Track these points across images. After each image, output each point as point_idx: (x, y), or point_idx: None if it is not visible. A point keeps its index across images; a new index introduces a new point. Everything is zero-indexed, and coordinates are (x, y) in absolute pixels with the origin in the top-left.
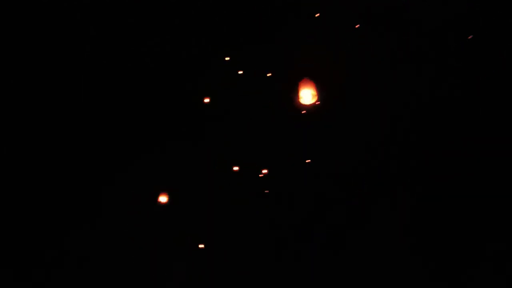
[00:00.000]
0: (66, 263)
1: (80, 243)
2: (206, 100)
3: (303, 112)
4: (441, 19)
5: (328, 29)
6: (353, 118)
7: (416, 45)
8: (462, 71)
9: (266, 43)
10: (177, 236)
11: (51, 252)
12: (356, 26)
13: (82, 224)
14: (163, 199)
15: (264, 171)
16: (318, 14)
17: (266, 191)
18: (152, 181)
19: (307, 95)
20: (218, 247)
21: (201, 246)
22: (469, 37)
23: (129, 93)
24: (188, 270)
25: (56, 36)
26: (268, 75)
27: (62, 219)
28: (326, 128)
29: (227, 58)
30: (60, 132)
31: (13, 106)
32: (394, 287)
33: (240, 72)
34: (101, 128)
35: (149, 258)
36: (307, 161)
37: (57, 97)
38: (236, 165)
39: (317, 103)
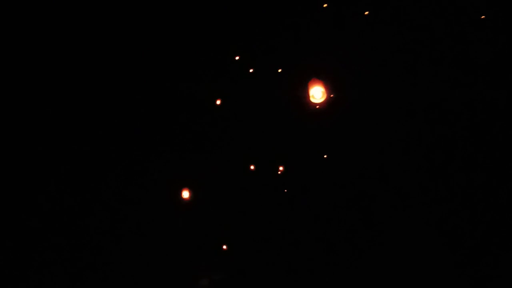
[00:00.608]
0: (86, 261)
1: (100, 241)
2: (218, 101)
3: (317, 106)
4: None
5: (337, 22)
6: (366, 113)
7: (431, 38)
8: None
9: (274, 39)
10: (199, 237)
11: (72, 250)
12: (365, 13)
13: (100, 222)
14: (185, 194)
15: (281, 168)
16: (325, 5)
17: (285, 190)
18: (166, 187)
19: (318, 93)
20: (239, 248)
21: (224, 247)
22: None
23: (141, 94)
24: (211, 270)
25: (68, 35)
26: (279, 70)
27: (82, 216)
28: (340, 124)
29: (237, 58)
30: (79, 129)
31: (25, 106)
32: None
33: (251, 71)
34: (115, 127)
35: (170, 259)
36: (324, 156)
37: (78, 94)
38: (252, 164)
39: (331, 96)
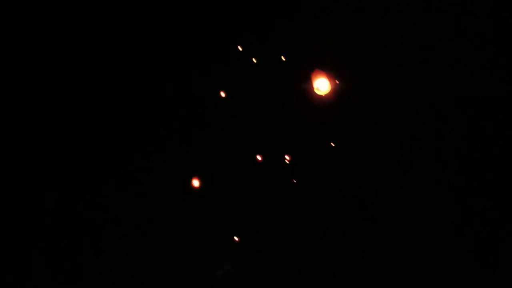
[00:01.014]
0: (93, 251)
1: (108, 232)
2: (222, 93)
3: (323, 95)
4: None
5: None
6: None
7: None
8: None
9: (276, 30)
10: (209, 228)
11: (81, 240)
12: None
13: (107, 213)
14: (195, 183)
15: (287, 157)
16: None
17: (294, 181)
18: (170, 181)
19: (322, 85)
20: (251, 239)
21: (236, 239)
22: None
23: (142, 87)
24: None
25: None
26: (282, 58)
27: (88, 207)
28: (346, 114)
29: (240, 48)
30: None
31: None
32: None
33: (254, 61)
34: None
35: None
36: (332, 144)
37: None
38: (258, 154)
39: (337, 82)
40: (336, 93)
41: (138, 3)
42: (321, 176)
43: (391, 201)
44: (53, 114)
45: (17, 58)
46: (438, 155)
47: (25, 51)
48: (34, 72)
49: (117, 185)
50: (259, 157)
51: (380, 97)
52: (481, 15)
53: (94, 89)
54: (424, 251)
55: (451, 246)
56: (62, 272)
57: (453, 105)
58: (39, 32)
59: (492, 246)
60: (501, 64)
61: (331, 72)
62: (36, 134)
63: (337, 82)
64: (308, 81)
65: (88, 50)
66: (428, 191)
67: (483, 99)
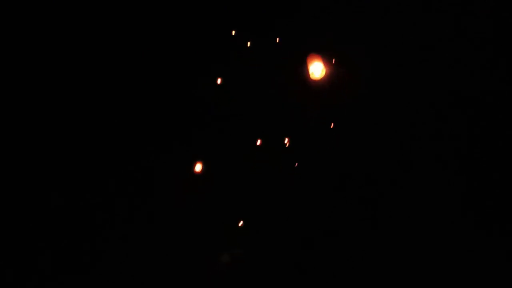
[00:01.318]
0: (98, 241)
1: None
2: (218, 80)
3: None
4: None
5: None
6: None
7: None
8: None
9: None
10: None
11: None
12: None
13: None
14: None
15: (286, 140)
16: None
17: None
18: (171, 174)
19: (317, 69)
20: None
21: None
22: None
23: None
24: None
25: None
26: (276, 40)
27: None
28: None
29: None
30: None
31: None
32: None
33: (248, 44)
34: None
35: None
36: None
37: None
38: (258, 139)
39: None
40: (332, 78)
41: (138, 3)
42: (321, 163)
43: (390, 197)
44: (53, 114)
45: (20, 59)
46: (438, 154)
47: (29, 52)
48: (38, 72)
49: (117, 185)
50: (259, 142)
51: (379, 97)
52: (481, 15)
53: (95, 90)
54: (423, 250)
55: (451, 246)
56: (66, 273)
57: (453, 105)
58: (48, 33)
59: (492, 246)
60: (501, 64)
61: (327, 57)
62: (37, 135)
63: (333, 67)
64: (304, 66)
65: (90, 51)
66: (427, 190)
67: (483, 99)
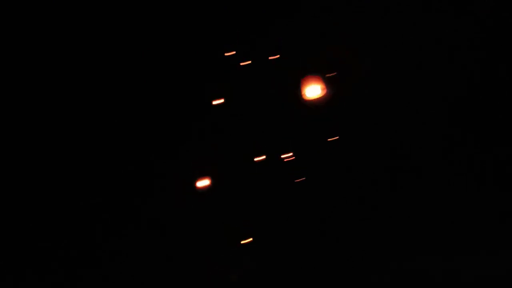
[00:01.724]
0: (99, 254)
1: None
2: (219, 100)
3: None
4: None
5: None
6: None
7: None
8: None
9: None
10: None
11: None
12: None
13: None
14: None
15: (284, 155)
16: None
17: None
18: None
19: (313, 90)
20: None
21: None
22: None
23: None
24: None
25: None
26: (274, 57)
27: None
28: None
29: (230, 53)
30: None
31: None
32: None
33: (245, 62)
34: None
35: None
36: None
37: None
38: (258, 156)
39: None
40: (328, 97)
41: (137, 9)
42: (322, 173)
43: (390, 201)
44: (57, 115)
45: (20, 59)
46: (438, 155)
47: (31, 53)
48: (50, 74)
49: (118, 188)
50: (259, 158)
51: (379, 97)
52: (481, 15)
53: (97, 94)
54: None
55: (451, 246)
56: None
57: (453, 105)
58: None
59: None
60: (501, 64)
61: (322, 76)
62: (39, 135)
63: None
64: (299, 86)
65: (96, 56)
66: (428, 190)
67: (483, 99)
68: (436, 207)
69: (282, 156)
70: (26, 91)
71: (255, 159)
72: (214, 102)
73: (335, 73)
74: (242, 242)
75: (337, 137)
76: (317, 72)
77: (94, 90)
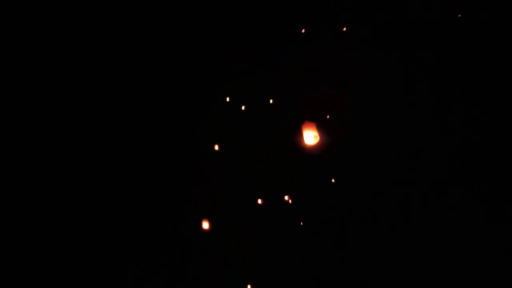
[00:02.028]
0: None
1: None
2: (216, 146)
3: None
4: None
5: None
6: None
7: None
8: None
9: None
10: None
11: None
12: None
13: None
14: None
15: (286, 197)
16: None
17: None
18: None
19: (310, 137)
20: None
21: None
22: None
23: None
24: None
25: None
26: (270, 101)
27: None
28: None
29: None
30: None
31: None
32: None
33: (242, 108)
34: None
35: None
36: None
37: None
38: (259, 198)
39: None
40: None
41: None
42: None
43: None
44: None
45: (21, 59)
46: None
47: (30, 52)
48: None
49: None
50: (259, 201)
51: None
52: (481, 15)
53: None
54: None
55: (452, 246)
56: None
57: (453, 105)
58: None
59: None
60: (500, 64)
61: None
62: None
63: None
64: (298, 132)
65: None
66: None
67: (483, 100)
68: (437, 208)
69: (281, 199)
70: (26, 91)
71: (254, 202)
72: (213, 147)
73: (329, 118)
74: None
75: (333, 180)
76: (313, 118)
77: (94, 93)
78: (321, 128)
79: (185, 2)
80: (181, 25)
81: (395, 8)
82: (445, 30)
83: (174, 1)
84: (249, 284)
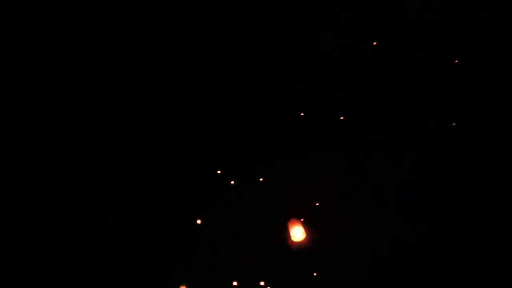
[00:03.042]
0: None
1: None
2: (198, 221)
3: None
4: None
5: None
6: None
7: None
8: None
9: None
10: None
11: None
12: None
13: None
14: None
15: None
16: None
17: None
18: None
19: (298, 234)
20: None
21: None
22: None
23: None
24: None
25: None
26: (260, 179)
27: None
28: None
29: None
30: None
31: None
32: None
33: (232, 182)
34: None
35: None
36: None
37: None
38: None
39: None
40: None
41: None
42: None
43: None
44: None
45: (21, 59)
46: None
47: (34, 53)
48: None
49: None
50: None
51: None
52: (481, 15)
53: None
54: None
55: (452, 247)
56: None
57: (453, 105)
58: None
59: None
60: (500, 64)
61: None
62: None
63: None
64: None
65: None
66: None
67: (483, 100)
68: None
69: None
70: (26, 91)
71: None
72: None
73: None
74: None
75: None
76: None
77: (93, 93)
78: (307, 225)
79: (185, 2)
80: (181, 25)
81: (395, 8)
82: (445, 30)
83: (174, 1)
84: None
